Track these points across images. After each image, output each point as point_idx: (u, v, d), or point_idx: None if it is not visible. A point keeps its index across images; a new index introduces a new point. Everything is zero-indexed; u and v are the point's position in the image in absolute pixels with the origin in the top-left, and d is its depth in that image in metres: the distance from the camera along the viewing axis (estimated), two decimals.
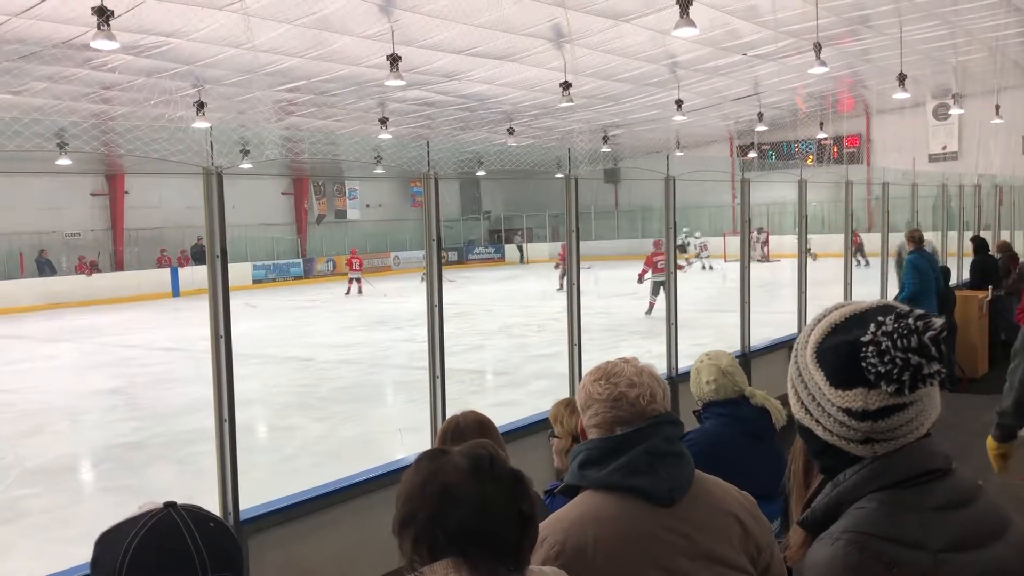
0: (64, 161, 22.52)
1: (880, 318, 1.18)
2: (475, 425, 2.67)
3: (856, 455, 1.23)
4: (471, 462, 1.47)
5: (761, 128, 28.41)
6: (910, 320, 1.15)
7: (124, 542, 1.17)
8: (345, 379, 11.65)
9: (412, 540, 1.43)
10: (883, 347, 1.15)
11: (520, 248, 38.20)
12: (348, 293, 24.72)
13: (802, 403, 1.26)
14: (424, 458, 1.52)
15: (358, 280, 25.08)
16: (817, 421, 1.24)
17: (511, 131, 26.38)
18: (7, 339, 17.75)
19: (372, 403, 10.56)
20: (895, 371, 1.14)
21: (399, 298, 21.96)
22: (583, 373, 4.82)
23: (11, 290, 23.77)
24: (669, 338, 6.09)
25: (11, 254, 26.01)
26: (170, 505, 1.23)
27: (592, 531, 1.73)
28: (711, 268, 26.33)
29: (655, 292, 15.62)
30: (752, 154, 31.60)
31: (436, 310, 3.82)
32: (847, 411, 1.19)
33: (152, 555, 1.17)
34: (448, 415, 4.20)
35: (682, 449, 1.84)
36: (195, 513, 1.24)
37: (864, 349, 1.17)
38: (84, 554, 3.39)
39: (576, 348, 4.86)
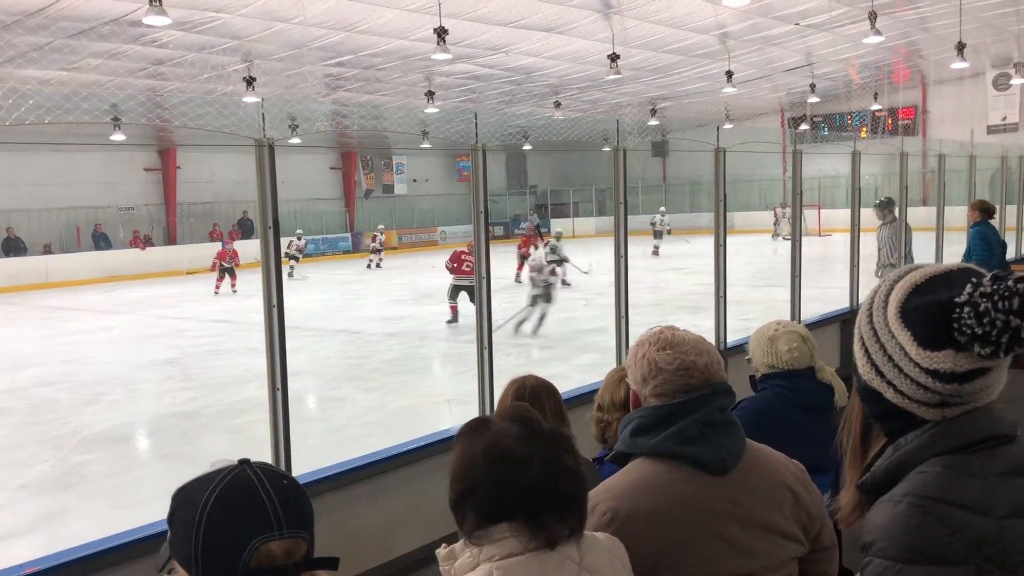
0: (118, 136, 22.93)
1: (974, 279, 1.15)
2: (540, 387, 2.70)
3: (923, 419, 1.21)
4: (522, 425, 1.48)
5: (813, 100, 27.81)
6: (1010, 282, 1.12)
7: (202, 497, 1.20)
8: (393, 351, 11.77)
9: (476, 511, 1.44)
10: (981, 308, 1.12)
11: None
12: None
13: (874, 365, 1.23)
14: (470, 430, 1.53)
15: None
16: (890, 383, 1.22)
17: (558, 104, 26.20)
18: (66, 311, 18.25)
19: (420, 375, 10.68)
20: (993, 333, 1.11)
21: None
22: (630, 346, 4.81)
23: (68, 263, 24.44)
24: (718, 312, 6.04)
25: (68, 228, 26.65)
26: (244, 462, 1.25)
27: (644, 498, 1.73)
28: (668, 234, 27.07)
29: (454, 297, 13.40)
30: (804, 126, 30.98)
31: (484, 282, 3.84)
32: (934, 373, 1.17)
33: (230, 510, 1.19)
34: (496, 387, 4.23)
35: (734, 418, 1.83)
36: (269, 471, 1.25)
37: (959, 310, 1.14)
38: (141, 517, 3.49)
39: (624, 320, 4.84)
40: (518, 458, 1.43)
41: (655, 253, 25.34)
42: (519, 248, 19.76)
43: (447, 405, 8.41)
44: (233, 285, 19.52)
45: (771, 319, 3.23)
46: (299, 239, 24.54)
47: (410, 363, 11.23)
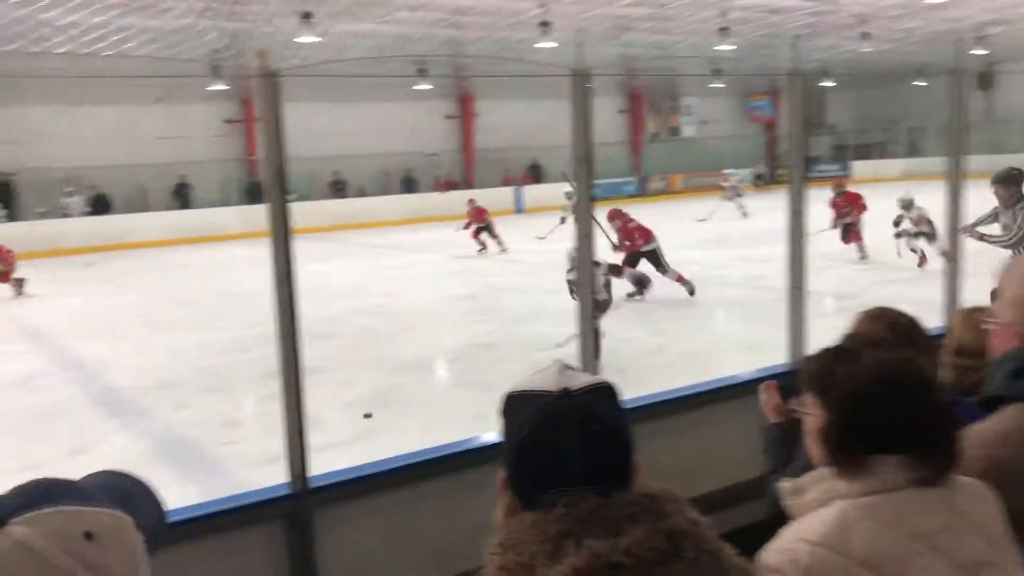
0: (423, 86, 24.45)
1: None
2: (911, 323, 2.34)
3: None
4: (899, 353, 1.42)
5: None
6: None
7: (532, 408, 1.18)
8: (681, 294, 11.66)
9: (860, 441, 1.37)
10: None
11: None
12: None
13: None
14: (843, 357, 1.47)
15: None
16: None
17: (866, 35, 24.12)
18: (379, 248, 20.04)
19: (706, 319, 10.58)
20: None
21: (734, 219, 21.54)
22: (958, 298, 4.31)
23: (381, 205, 26.89)
24: None
25: (381, 173, 29.16)
26: (569, 394, 1.19)
27: (1022, 449, 1.53)
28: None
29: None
30: None
31: (798, 218, 3.60)
32: None
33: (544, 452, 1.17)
34: (811, 332, 3.98)
35: None
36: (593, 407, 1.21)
37: None
38: (446, 437, 3.70)
39: (956, 266, 4.34)
40: (905, 386, 1.36)
41: None
42: (836, 210, 15.05)
43: (737, 350, 8.21)
44: (499, 243, 17.60)
45: None
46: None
47: (699, 307, 11.11)
